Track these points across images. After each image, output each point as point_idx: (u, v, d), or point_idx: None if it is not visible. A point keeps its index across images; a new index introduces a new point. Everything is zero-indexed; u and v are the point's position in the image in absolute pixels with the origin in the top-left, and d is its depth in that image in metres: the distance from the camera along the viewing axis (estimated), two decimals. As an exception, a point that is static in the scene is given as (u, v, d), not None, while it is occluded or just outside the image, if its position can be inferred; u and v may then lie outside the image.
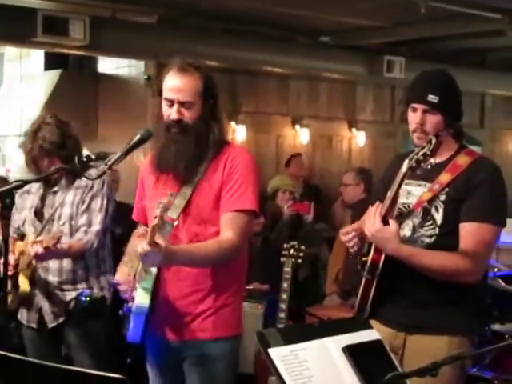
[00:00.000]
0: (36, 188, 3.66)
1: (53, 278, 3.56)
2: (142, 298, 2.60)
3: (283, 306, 4.51)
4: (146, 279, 2.62)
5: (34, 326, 3.62)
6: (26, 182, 2.62)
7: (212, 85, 2.76)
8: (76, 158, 3.47)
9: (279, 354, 1.87)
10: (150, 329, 2.68)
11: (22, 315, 3.66)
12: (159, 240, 2.43)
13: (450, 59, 9.06)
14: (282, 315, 4.50)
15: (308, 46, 8.63)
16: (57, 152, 3.52)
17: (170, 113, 2.70)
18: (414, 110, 2.72)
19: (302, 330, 2.07)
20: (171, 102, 2.70)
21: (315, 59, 8.36)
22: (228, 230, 2.67)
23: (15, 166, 8.65)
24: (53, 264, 3.54)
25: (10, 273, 3.46)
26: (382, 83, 9.51)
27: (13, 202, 2.34)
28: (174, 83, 2.70)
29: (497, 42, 8.66)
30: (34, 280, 3.57)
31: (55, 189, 3.60)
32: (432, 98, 2.67)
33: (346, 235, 2.78)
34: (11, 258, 3.50)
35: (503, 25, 7.29)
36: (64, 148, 3.54)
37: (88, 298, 3.54)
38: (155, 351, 2.83)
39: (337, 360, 1.94)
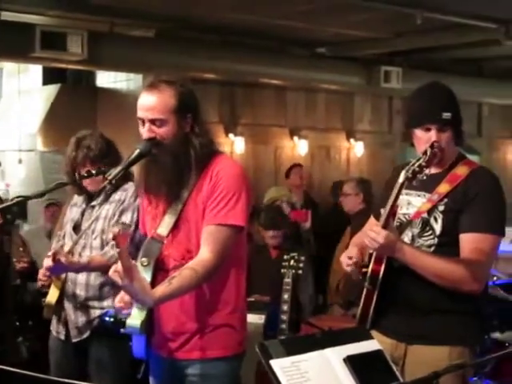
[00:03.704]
0: (80, 202, 3.67)
1: (80, 293, 3.54)
2: (133, 319, 2.55)
3: (284, 317, 4.52)
4: None
5: (61, 337, 3.60)
6: (28, 198, 2.61)
7: (189, 98, 2.62)
8: (76, 174, 3.49)
9: (281, 366, 1.86)
10: (150, 346, 2.67)
11: (53, 325, 3.65)
12: (139, 283, 2.37)
13: (447, 69, 9.10)
14: (284, 326, 4.50)
15: (305, 57, 8.65)
16: (100, 160, 3.48)
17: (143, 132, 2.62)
18: (428, 129, 2.70)
19: (303, 341, 2.05)
20: (143, 121, 2.62)
21: (312, 70, 8.39)
22: (205, 246, 2.56)
23: (15, 180, 8.66)
24: (81, 278, 3.52)
25: (43, 283, 3.49)
26: (380, 94, 9.56)
27: (14, 218, 2.35)
28: (143, 101, 2.60)
29: (493, 51, 8.68)
30: (63, 292, 3.55)
31: (93, 203, 3.60)
32: (446, 115, 2.67)
33: (349, 260, 2.77)
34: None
35: (498, 34, 7.33)
36: (106, 157, 3.53)
37: (112, 319, 3.41)
38: (156, 368, 2.79)
39: (338, 371, 1.93)
